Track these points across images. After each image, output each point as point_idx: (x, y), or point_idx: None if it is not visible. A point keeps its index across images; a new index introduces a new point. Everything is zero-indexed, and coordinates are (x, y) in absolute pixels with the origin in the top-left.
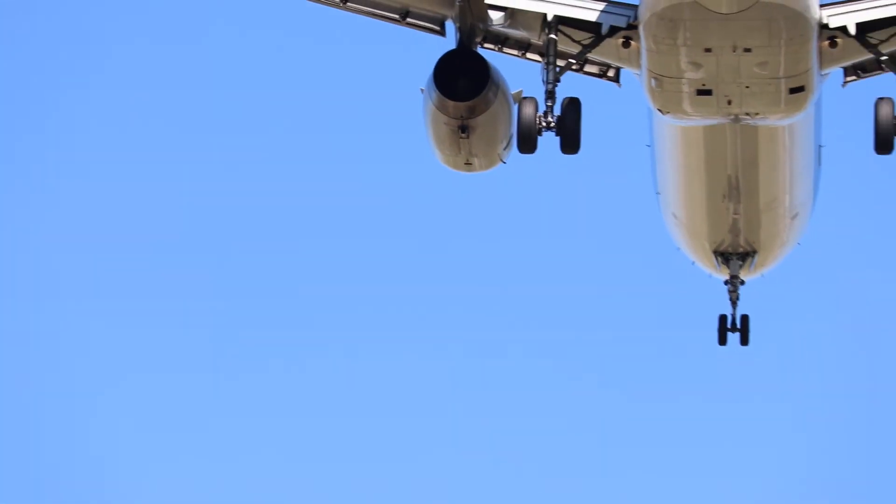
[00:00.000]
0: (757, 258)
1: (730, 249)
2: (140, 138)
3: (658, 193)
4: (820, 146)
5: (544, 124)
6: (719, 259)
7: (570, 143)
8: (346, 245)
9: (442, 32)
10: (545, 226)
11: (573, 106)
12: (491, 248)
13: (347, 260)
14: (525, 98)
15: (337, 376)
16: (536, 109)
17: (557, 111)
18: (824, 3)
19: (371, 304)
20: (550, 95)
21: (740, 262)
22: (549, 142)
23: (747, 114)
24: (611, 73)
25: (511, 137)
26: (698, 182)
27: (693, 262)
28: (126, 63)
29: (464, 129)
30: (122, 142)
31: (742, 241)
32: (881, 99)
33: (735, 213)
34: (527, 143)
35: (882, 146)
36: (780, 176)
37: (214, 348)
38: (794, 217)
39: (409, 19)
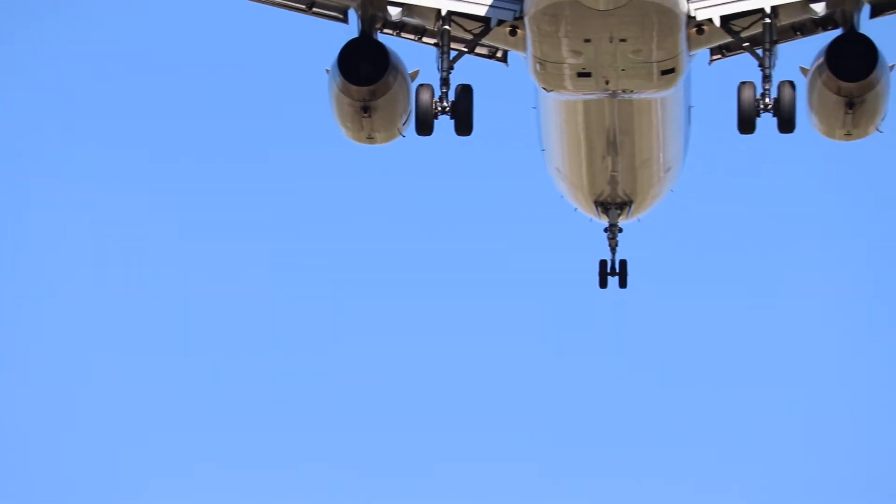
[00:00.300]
0: (633, 207)
1: (609, 200)
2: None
3: (543, 150)
4: (690, 107)
5: (440, 109)
6: (599, 208)
7: (464, 126)
8: (246, 242)
9: (345, 20)
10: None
11: (466, 92)
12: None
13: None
14: (422, 85)
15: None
16: (432, 96)
17: (452, 97)
18: None
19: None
20: (445, 82)
21: (618, 211)
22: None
23: (623, 90)
24: (499, 55)
25: (409, 114)
26: (579, 144)
27: (575, 209)
28: None
29: (366, 109)
30: None
31: (620, 193)
32: (743, 83)
33: (613, 170)
34: (424, 127)
35: (745, 126)
36: (654, 138)
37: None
38: (667, 171)
39: (314, 9)
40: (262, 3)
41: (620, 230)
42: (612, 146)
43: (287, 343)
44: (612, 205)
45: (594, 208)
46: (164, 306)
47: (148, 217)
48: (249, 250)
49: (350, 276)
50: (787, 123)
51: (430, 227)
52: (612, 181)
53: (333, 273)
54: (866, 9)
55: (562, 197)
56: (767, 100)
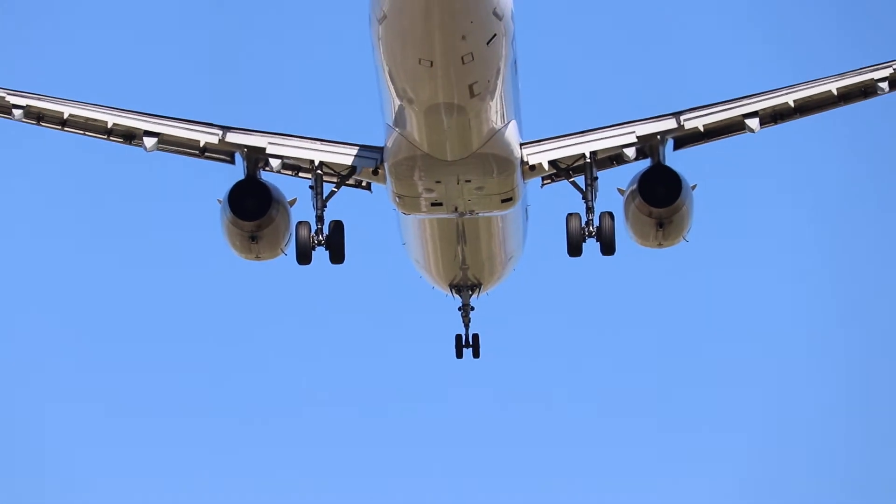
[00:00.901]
0: (482, 288)
1: (461, 283)
2: None
3: (404, 244)
4: (528, 206)
5: (316, 243)
6: (453, 290)
7: (337, 257)
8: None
9: (232, 162)
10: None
11: (338, 228)
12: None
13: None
14: (300, 222)
15: None
16: (310, 231)
17: (326, 231)
18: (525, 142)
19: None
20: (320, 219)
21: (470, 292)
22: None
23: (470, 212)
24: (364, 185)
25: (290, 236)
26: (435, 247)
27: (433, 287)
28: None
29: (253, 237)
30: None
31: (470, 277)
32: (570, 214)
33: (463, 264)
34: (303, 258)
35: (573, 251)
36: (497, 239)
37: None
38: (509, 259)
39: (206, 153)
40: (161, 150)
41: (472, 308)
42: (462, 248)
43: None
44: (464, 287)
45: (449, 290)
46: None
47: None
48: None
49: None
50: (608, 248)
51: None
52: (463, 270)
53: None
54: (670, 143)
55: (421, 277)
56: (591, 228)
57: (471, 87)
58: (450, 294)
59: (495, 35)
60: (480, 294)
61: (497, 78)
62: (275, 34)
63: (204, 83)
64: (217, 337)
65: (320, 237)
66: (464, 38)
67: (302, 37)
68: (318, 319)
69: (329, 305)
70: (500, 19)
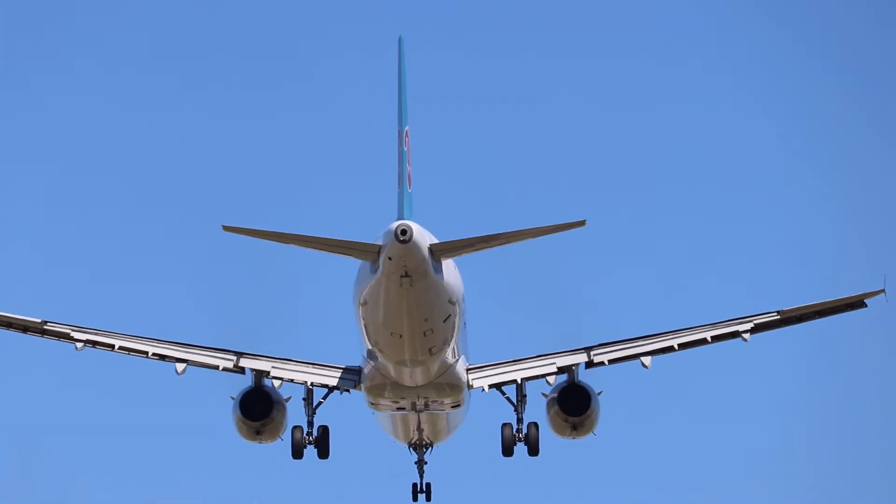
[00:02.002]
0: (433, 448)
1: (417, 443)
2: None
3: (373, 414)
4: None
5: (307, 442)
6: (411, 448)
7: (324, 454)
8: None
9: (242, 373)
10: None
11: (324, 432)
12: None
13: None
14: (295, 426)
15: None
16: (302, 433)
17: (315, 433)
18: (471, 367)
19: None
20: (310, 424)
21: (424, 449)
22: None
23: (426, 408)
24: (345, 389)
25: (286, 428)
26: (396, 425)
27: (395, 441)
28: None
29: (258, 432)
30: None
31: (425, 439)
32: (504, 424)
33: (419, 436)
34: (297, 453)
35: (506, 452)
36: (444, 421)
37: None
38: (455, 427)
39: (222, 370)
40: (187, 363)
41: (426, 462)
42: (419, 425)
43: None
44: (419, 446)
45: (408, 448)
46: None
47: None
48: None
49: None
50: (533, 450)
51: None
52: (419, 438)
53: None
54: (582, 366)
55: (387, 437)
56: (520, 434)
57: (430, 349)
58: (408, 450)
59: (450, 315)
60: (431, 451)
61: (451, 339)
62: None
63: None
64: None
65: (310, 439)
66: (426, 320)
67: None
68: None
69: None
70: (454, 304)
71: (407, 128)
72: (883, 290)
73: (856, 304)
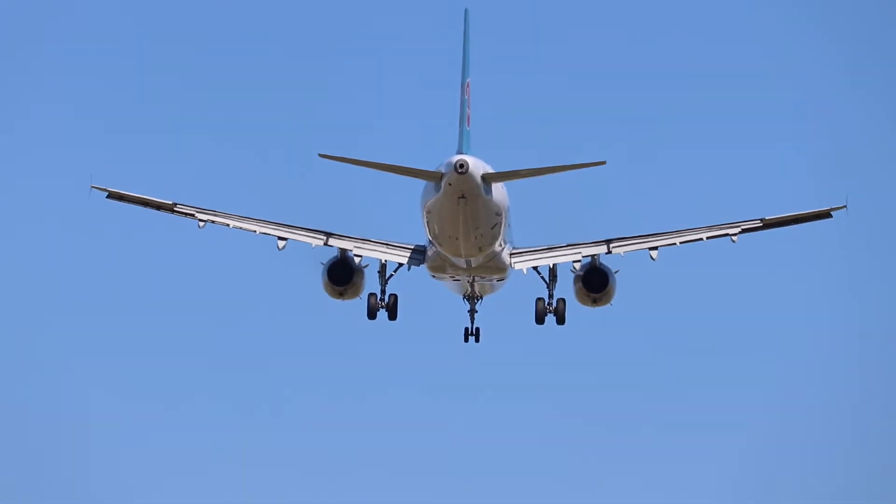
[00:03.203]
0: (482, 299)
1: (469, 296)
2: None
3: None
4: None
5: (381, 306)
6: (465, 299)
7: (393, 316)
8: None
9: (326, 242)
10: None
11: (394, 299)
12: None
13: None
14: (371, 293)
15: None
16: (377, 299)
17: (386, 300)
18: (514, 251)
19: None
20: (383, 291)
21: (475, 300)
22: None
23: (480, 278)
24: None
25: (364, 289)
26: (453, 285)
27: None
28: None
29: (341, 293)
30: None
31: (476, 294)
32: (538, 298)
33: (472, 290)
34: (372, 315)
35: (539, 320)
36: (492, 285)
37: None
38: (500, 287)
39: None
40: (287, 240)
41: (476, 311)
42: (471, 287)
43: None
44: (472, 298)
45: (462, 299)
46: None
47: None
48: None
49: None
50: (560, 320)
51: None
52: (471, 293)
53: None
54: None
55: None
56: (551, 307)
57: (479, 247)
58: (462, 300)
59: (496, 223)
60: (481, 301)
61: (498, 238)
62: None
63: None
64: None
65: (383, 304)
66: (477, 227)
67: None
68: (380, 350)
69: (388, 343)
70: (500, 215)
71: (469, 79)
72: (845, 206)
73: (823, 215)
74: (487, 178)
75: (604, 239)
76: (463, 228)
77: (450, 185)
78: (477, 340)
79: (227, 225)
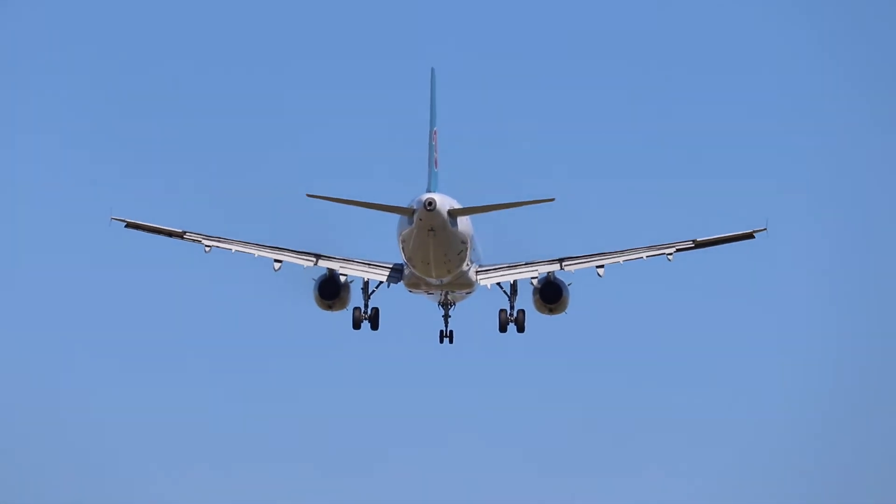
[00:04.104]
0: (455, 306)
1: (443, 303)
2: None
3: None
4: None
5: (364, 318)
6: (440, 306)
7: (375, 327)
8: None
9: (316, 263)
10: None
11: (376, 312)
12: None
13: None
14: (356, 307)
15: None
16: (360, 312)
17: (369, 313)
18: (480, 268)
19: None
20: (366, 306)
21: (449, 307)
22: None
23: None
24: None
25: (349, 303)
26: (429, 297)
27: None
28: None
29: (329, 306)
30: None
31: (449, 302)
32: (502, 309)
33: (445, 299)
34: (356, 326)
35: (502, 329)
36: (462, 294)
37: None
38: (469, 296)
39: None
40: (282, 261)
41: (450, 316)
42: (444, 297)
43: None
44: (445, 305)
45: (438, 306)
46: None
47: None
48: None
49: None
50: (520, 328)
51: None
52: (444, 301)
53: None
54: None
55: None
56: (512, 317)
57: (448, 269)
58: (438, 307)
59: (462, 249)
60: (453, 308)
61: (464, 260)
62: None
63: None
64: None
65: (366, 316)
66: (445, 254)
67: None
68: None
69: (368, 349)
70: (465, 243)
71: (436, 129)
72: (765, 228)
73: (747, 236)
74: (453, 213)
75: (557, 258)
76: (433, 255)
77: (420, 219)
78: (451, 342)
79: (231, 249)
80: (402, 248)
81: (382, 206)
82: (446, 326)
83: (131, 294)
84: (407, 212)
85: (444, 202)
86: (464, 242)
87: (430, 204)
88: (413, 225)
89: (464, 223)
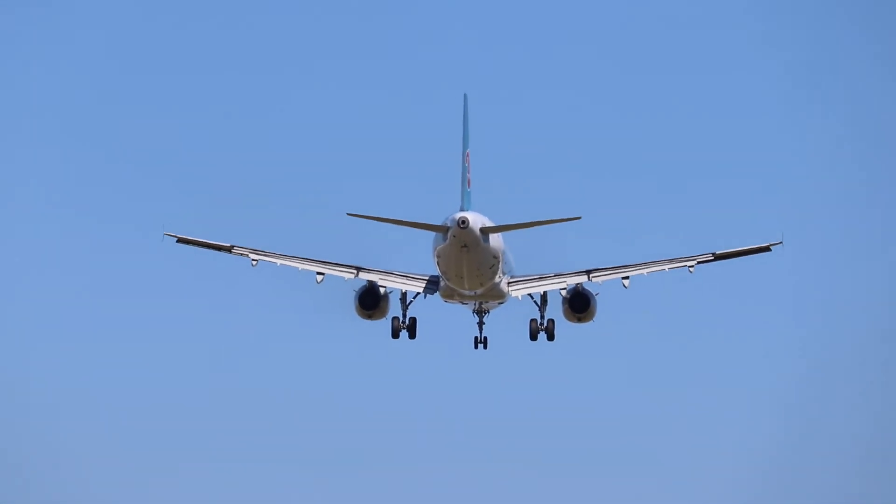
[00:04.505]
0: (489, 313)
1: (477, 311)
2: None
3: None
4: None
5: (402, 327)
6: (475, 314)
7: (413, 335)
8: None
9: (357, 275)
10: None
11: (413, 321)
12: None
13: None
14: (395, 317)
15: None
16: (399, 322)
17: (407, 322)
18: (512, 280)
19: None
20: (404, 315)
21: (483, 315)
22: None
23: (483, 303)
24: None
25: (389, 312)
26: (465, 306)
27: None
28: None
29: (369, 316)
30: None
31: (483, 310)
32: (532, 319)
33: (479, 307)
34: (395, 335)
35: (532, 338)
36: (494, 304)
37: None
38: (502, 304)
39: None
40: (324, 274)
41: (484, 323)
42: (479, 305)
43: None
44: (479, 312)
45: (472, 314)
46: None
47: None
48: None
49: None
50: (550, 337)
51: None
52: (479, 309)
53: None
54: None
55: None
56: (542, 326)
57: (480, 282)
58: (473, 315)
59: (494, 264)
60: (487, 316)
61: (496, 274)
62: None
63: None
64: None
65: (404, 325)
66: (478, 268)
67: None
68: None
69: (405, 359)
70: (496, 258)
71: (468, 151)
72: (781, 242)
73: (764, 249)
74: (485, 231)
75: (585, 269)
76: (467, 269)
77: (454, 237)
78: (485, 347)
79: (276, 262)
80: (438, 263)
81: (419, 224)
82: (480, 333)
83: (182, 306)
84: (442, 229)
85: (476, 220)
86: (495, 257)
87: (463, 222)
88: (447, 241)
89: (495, 239)
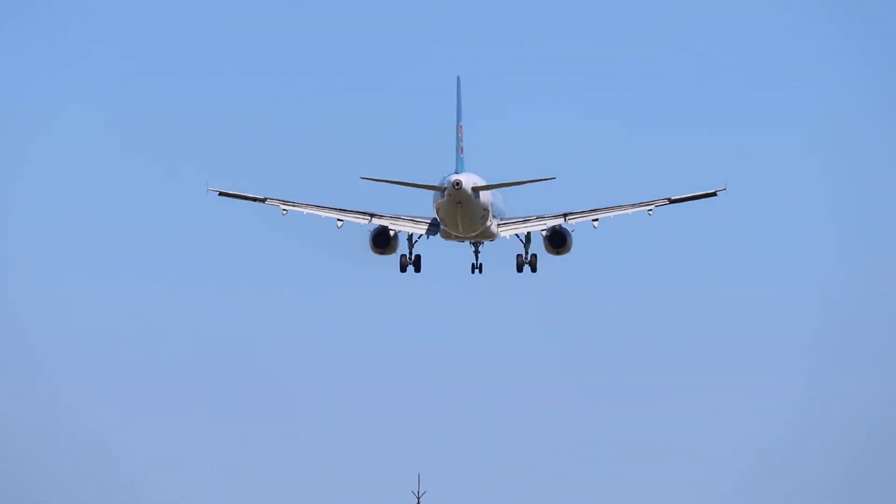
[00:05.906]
0: (483, 244)
1: (473, 242)
2: None
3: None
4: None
5: (409, 263)
6: (471, 245)
7: (418, 270)
8: None
9: (370, 221)
10: None
11: (418, 258)
12: None
13: None
14: (402, 254)
15: None
16: (406, 259)
17: (413, 258)
18: (501, 222)
19: None
20: (410, 253)
21: (479, 245)
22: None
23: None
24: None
25: (399, 250)
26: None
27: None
28: None
29: (382, 252)
30: None
31: (478, 242)
32: (518, 254)
33: (473, 242)
34: (403, 269)
35: (518, 270)
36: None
37: None
38: (494, 238)
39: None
40: (343, 220)
41: (479, 252)
42: (473, 242)
43: None
44: (474, 244)
45: (470, 245)
46: None
47: None
48: None
49: None
50: (534, 269)
51: None
52: (473, 243)
53: None
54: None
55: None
56: (526, 260)
57: (473, 228)
58: (469, 245)
59: (484, 214)
60: (482, 245)
61: (486, 221)
62: None
63: None
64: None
65: (410, 261)
66: (470, 219)
67: None
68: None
69: (412, 289)
70: (486, 209)
71: (461, 123)
72: (725, 188)
73: (710, 194)
74: (476, 189)
75: (562, 213)
76: (461, 219)
77: (450, 195)
78: (481, 272)
79: (303, 211)
80: (436, 213)
81: (421, 185)
82: (476, 260)
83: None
84: (440, 189)
85: (468, 181)
86: (485, 209)
87: (457, 184)
88: (444, 198)
89: (485, 195)
